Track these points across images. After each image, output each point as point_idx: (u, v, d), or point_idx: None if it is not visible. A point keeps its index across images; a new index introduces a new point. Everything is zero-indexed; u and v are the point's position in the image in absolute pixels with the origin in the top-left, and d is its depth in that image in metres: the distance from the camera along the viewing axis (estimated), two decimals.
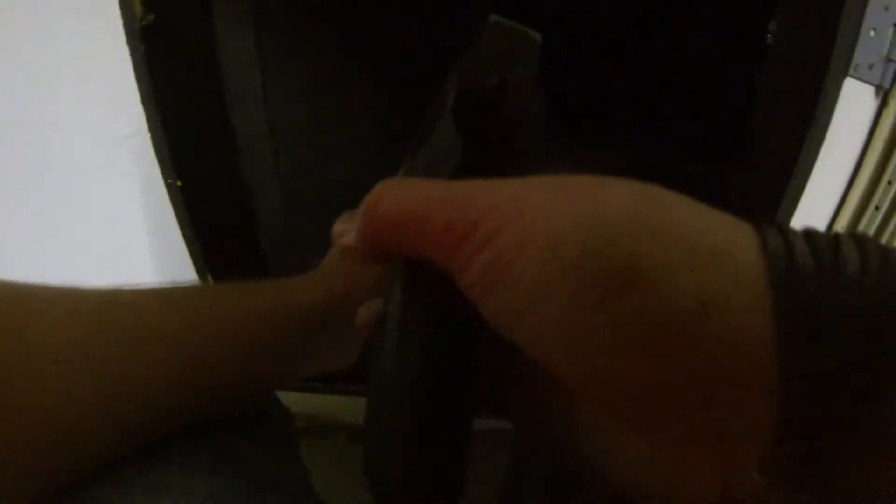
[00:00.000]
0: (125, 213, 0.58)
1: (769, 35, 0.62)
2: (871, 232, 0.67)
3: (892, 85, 0.62)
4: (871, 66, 0.61)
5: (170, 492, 0.30)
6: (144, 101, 0.56)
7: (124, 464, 0.30)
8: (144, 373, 0.29)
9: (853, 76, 0.61)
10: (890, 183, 0.65)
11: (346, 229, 0.19)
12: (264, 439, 0.38)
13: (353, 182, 0.64)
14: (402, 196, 0.17)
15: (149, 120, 0.55)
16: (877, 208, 0.67)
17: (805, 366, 0.11)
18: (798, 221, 0.66)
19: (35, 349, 0.25)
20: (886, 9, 0.58)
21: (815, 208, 0.67)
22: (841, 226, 0.68)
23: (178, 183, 0.56)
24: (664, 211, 0.13)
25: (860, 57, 0.61)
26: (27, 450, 0.24)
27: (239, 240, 0.61)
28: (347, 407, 0.77)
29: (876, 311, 0.11)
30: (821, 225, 0.66)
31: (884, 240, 0.63)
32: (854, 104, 0.62)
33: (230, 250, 0.51)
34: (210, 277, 0.58)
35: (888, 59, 0.60)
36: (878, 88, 0.62)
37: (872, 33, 0.60)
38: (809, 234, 0.13)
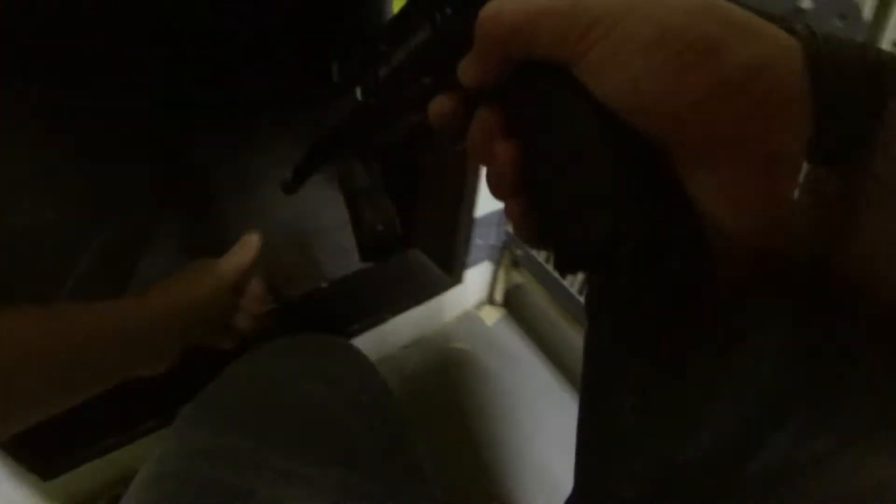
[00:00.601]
0: None
1: None
2: None
3: None
4: None
5: (305, 480, 0.34)
6: None
7: (254, 449, 0.34)
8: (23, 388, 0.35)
9: None
10: None
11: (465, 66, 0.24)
12: (386, 428, 0.43)
13: (34, 225, 0.65)
14: (521, 4, 0.20)
15: None
16: None
17: (828, 103, 0.17)
18: None
19: None
20: None
21: None
22: None
23: None
24: (726, 8, 0.18)
25: None
26: None
27: None
28: None
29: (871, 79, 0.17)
30: None
31: None
32: None
33: None
34: None
35: None
36: None
37: None
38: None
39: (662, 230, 0.19)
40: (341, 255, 0.92)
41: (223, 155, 1.04)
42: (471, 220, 0.83)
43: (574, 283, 0.82)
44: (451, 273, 0.91)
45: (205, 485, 0.34)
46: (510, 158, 0.23)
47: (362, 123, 0.33)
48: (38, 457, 0.57)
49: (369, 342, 0.86)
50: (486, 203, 0.83)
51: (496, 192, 0.25)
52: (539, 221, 0.24)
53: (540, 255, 0.87)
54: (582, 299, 0.81)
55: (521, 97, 0.23)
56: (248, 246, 0.57)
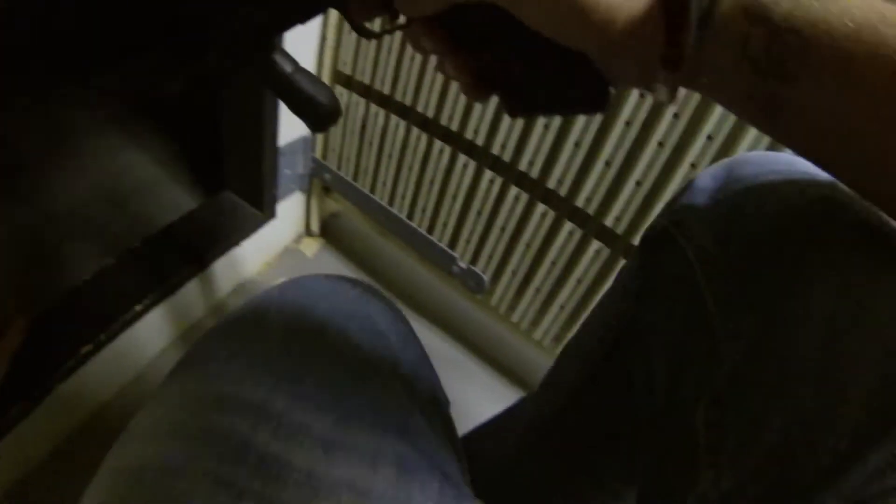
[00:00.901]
0: None
1: None
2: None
3: None
4: None
5: (355, 451, 0.31)
6: None
7: (289, 406, 0.31)
8: None
9: None
10: None
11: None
12: (427, 394, 0.41)
13: None
14: None
15: None
16: None
17: (675, 16, 0.24)
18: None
19: None
20: None
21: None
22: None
23: None
24: None
25: None
26: None
27: None
28: None
29: None
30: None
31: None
32: None
33: None
34: None
35: None
36: None
37: None
38: None
39: (592, 83, 0.30)
40: (150, 213, 0.88)
41: (25, 117, 0.91)
42: (275, 150, 0.84)
43: (384, 195, 0.87)
44: (263, 209, 0.90)
45: (224, 444, 0.29)
46: (467, 67, 0.31)
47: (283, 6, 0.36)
48: None
49: (193, 292, 0.84)
50: (289, 131, 0.83)
51: (451, 77, 0.32)
52: (493, 86, 0.32)
53: (349, 175, 0.90)
54: (395, 211, 0.87)
55: (467, 23, 0.30)
56: (17, 332, 0.66)
